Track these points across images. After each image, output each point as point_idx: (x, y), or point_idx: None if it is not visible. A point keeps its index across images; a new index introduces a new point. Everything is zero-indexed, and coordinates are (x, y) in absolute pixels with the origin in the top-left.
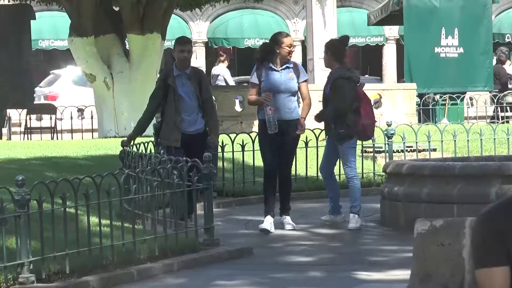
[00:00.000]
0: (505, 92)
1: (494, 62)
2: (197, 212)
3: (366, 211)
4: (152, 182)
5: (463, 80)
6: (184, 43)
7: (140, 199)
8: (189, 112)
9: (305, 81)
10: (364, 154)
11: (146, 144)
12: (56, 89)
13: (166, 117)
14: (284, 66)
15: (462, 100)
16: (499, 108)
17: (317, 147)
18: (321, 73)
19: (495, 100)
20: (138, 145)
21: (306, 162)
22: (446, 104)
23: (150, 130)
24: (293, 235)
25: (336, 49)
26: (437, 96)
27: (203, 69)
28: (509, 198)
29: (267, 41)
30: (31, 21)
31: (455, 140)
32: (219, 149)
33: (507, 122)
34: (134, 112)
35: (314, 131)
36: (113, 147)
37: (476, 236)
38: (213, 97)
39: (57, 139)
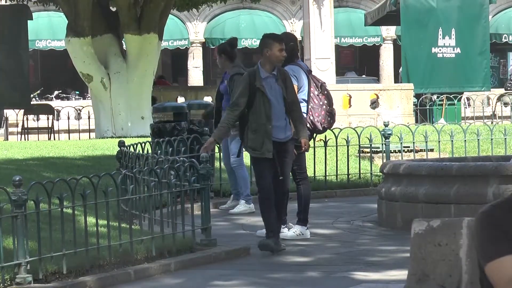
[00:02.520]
0: (503, 92)
1: None
2: (194, 212)
3: (363, 212)
4: (149, 182)
5: (460, 80)
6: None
7: (137, 199)
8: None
9: None
10: (361, 154)
11: (143, 144)
12: None
13: (252, 124)
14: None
15: (459, 100)
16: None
17: (314, 147)
18: (319, 74)
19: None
20: (135, 146)
21: None
22: (443, 104)
23: (147, 130)
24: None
25: (227, 52)
26: (434, 96)
27: (200, 69)
28: (508, 198)
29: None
30: (28, 21)
31: (452, 140)
32: (216, 149)
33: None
34: (131, 112)
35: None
36: (110, 147)
37: (479, 234)
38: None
39: (54, 139)
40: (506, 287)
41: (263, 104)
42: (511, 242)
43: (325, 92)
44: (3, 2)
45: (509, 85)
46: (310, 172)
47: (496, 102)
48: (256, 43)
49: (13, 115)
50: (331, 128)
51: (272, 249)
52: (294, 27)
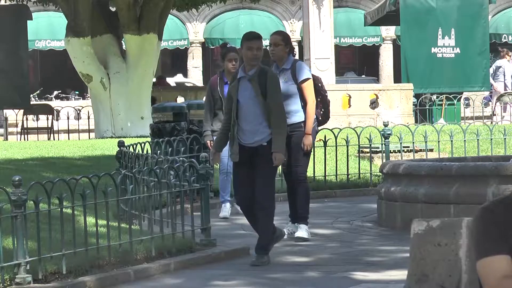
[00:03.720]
0: (503, 92)
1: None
2: (193, 212)
3: (363, 212)
4: (149, 182)
5: (460, 80)
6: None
7: (137, 200)
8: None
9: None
10: (361, 154)
11: (142, 145)
12: None
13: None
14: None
15: (458, 100)
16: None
17: (313, 147)
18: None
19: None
20: (134, 146)
21: None
22: (443, 104)
23: (147, 130)
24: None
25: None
26: (434, 96)
27: (200, 69)
28: (508, 196)
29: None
30: (28, 21)
31: (452, 141)
32: None
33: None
34: (130, 112)
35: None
36: (109, 147)
37: (476, 229)
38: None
39: (54, 139)
40: (494, 287)
41: (234, 106)
42: (506, 242)
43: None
44: (3, 2)
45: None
46: (310, 172)
47: (496, 102)
48: None
49: (12, 115)
50: (331, 128)
51: (253, 263)
52: (293, 27)
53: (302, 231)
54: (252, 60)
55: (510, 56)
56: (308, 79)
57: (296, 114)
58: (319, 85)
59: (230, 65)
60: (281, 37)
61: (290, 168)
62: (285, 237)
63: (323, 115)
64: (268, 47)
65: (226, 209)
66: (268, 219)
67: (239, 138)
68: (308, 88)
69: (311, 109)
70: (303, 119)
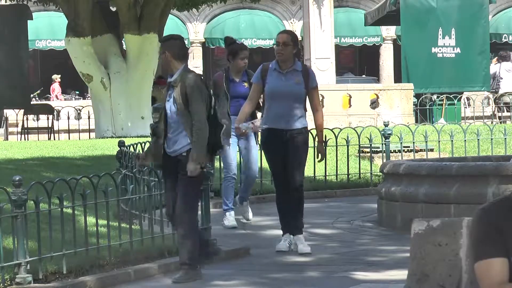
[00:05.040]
0: (502, 92)
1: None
2: None
3: (363, 211)
4: (149, 182)
5: (460, 80)
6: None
7: (137, 199)
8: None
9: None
10: (361, 154)
11: (143, 144)
12: None
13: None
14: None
15: (459, 100)
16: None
17: (314, 147)
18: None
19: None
20: (134, 146)
21: None
22: (443, 104)
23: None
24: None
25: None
26: (434, 96)
27: (200, 69)
28: (507, 196)
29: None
30: (28, 21)
31: (452, 140)
32: None
33: (504, 122)
34: (131, 112)
35: (311, 130)
36: (110, 147)
37: (475, 230)
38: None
39: (54, 139)
40: None
41: (163, 113)
42: (504, 244)
43: None
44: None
45: (496, 86)
46: (310, 172)
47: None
48: (256, 43)
49: (13, 115)
50: (331, 128)
51: (175, 280)
52: (294, 27)
53: (304, 245)
54: (165, 65)
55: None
56: (317, 86)
57: (300, 119)
58: None
59: (243, 63)
60: (292, 37)
61: (286, 174)
62: (285, 250)
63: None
64: (275, 46)
65: (231, 218)
66: (185, 234)
67: (165, 146)
68: (318, 96)
69: (322, 116)
70: (306, 125)
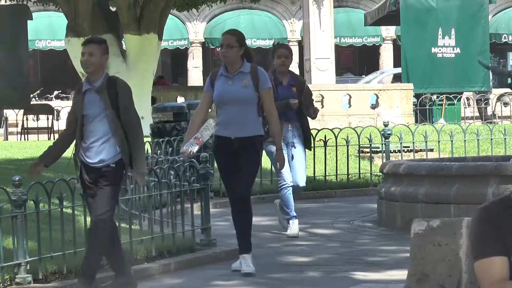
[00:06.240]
0: (502, 92)
1: None
2: (194, 212)
3: (363, 211)
4: (149, 182)
5: (460, 80)
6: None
7: (137, 199)
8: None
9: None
10: (361, 154)
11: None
12: None
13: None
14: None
15: (459, 100)
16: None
17: (314, 146)
18: (318, 74)
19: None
20: None
21: None
22: (443, 104)
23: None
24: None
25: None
26: (434, 96)
27: (200, 69)
28: (507, 196)
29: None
30: (28, 21)
31: (452, 140)
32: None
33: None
34: None
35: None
36: None
37: (475, 229)
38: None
39: (54, 139)
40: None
41: (79, 122)
42: (504, 243)
43: None
44: (3, 2)
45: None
46: (310, 172)
47: (496, 102)
48: (256, 43)
49: (13, 115)
50: (331, 128)
51: None
52: (293, 27)
53: (247, 264)
54: (85, 69)
55: None
56: (270, 88)
57: (255, 126)
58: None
59: (279, 61)
60: (236, 38)
61: (236, 184)
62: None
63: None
64: (219, 49)
65: (294, 226)
66: (98, 247)
67: (84, 156)
68: (272, 97)
69: (277, 120)
70: (259, 133)
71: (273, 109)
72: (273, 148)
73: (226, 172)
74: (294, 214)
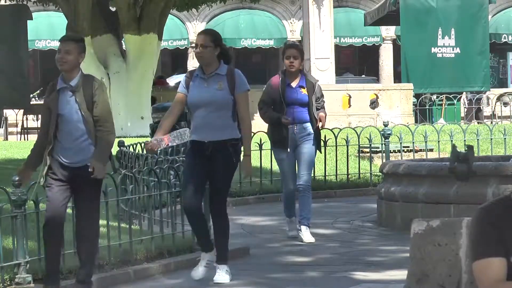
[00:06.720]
0: (502, 92)
1: None
2: None
3: (363, 211)
4: (148, 182)
5: (460, 80)
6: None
7: (136, 199)
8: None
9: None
10: (361, 154)
11: (142, 144)
12: None
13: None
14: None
15: (458, 100)
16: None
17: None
18: (318, 74)
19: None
20: (134, 146)
21: None
22: (443, 104)
23: (147, 130)
24: (290, 237)
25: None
26: (434, 96)
27: None
28: (507, 196)
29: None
30: (28, 21)
31: (451, 140)
32: None
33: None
34: (130, 112)
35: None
36: None
37: (474, 229)
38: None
39: None
40: None
41: (53, 121)
42: (503, 244)
43: None
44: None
45: None
46: None
47: (496, 102)
48: (255, 43)
49: (12, 115)
50: (331, 128)
51: None
52: (293, 27)
53: (222, 274)
54: (60, 66)
55: None
56: (248, 90)
57: (228, 130)
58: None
59: (287, 62)
60: (210, 37)
61: (210, 194)
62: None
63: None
64: (193, 49)
65: (293, 226)
66: (91, 253)
67: (60, 157)
68: (247, 101)
69: (249, 126)
70: (235, 136)
71: (247, 115)
72: (282, 155)
73: (189, 176)
74: (293, 215)
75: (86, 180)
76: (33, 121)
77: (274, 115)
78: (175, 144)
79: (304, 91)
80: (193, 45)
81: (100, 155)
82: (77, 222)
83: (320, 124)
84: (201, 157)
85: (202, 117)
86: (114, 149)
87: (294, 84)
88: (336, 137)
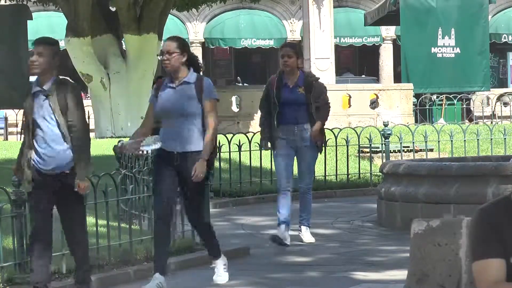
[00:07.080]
0: (502, 92)
1: None
2: None
3: (363, 211)
4: (149, 182)
5: (460, 80)
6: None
7: (136, 199)
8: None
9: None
10: (361, 154)
11: None
12: None
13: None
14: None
15: (458, 100)
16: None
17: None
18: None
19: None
20: None
21: None
22: (443, 104)
23: None
24: (290, 236)
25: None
26: (434, 96)
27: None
28: (507, 196)
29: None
30: (28, 21)
31: (452, 140)
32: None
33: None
34: (130, 112)
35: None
36: (110, 147)
37: (474, 230)
38: None
39: None
40: None
41: (30, 126)
42: (502, 245)
43: None
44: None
45: None
46: None
47: (496, 102)
48: (255, 43)
49: (13, 115)
50: (331, 128)
51: None
52: (293, 27)
53: (220, 272)
54: (33, 70)
55: None
56: (216, 99)
57: (199, 140)
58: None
59: (282, 61)
60: (176, 44)
61: (184, 203)
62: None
63: None
64: (159, 56)
65: (280, 231)
66: (86, 253)
67: (36, 162)
68: (214, 109)
69: (213, 133)
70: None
71: (212, 123)
72: (277, 154)
73: (161, 184)
74: (283, 219)
75: (65, 187)
76: None
77: (262, 131)
78: (148, 149)
79: (301, 90)
80: (193, 45)
81: (81, 172)
82: (67, 230)
83: (315, 141)
84: (171, 165)
85: (170, 126)
86: (114, 150)
87: (291, 83)
88: (336, 137)
